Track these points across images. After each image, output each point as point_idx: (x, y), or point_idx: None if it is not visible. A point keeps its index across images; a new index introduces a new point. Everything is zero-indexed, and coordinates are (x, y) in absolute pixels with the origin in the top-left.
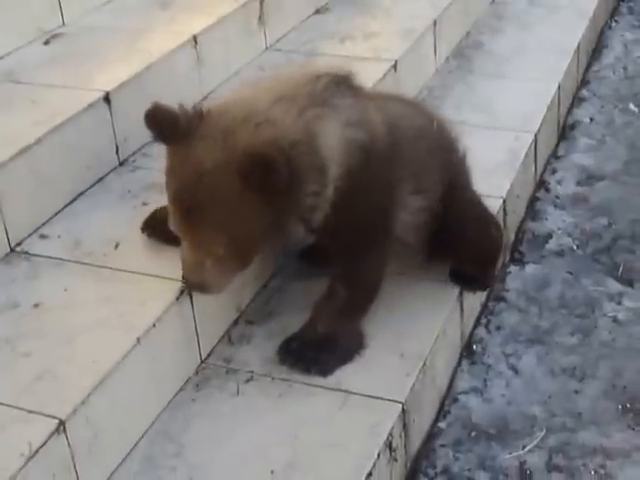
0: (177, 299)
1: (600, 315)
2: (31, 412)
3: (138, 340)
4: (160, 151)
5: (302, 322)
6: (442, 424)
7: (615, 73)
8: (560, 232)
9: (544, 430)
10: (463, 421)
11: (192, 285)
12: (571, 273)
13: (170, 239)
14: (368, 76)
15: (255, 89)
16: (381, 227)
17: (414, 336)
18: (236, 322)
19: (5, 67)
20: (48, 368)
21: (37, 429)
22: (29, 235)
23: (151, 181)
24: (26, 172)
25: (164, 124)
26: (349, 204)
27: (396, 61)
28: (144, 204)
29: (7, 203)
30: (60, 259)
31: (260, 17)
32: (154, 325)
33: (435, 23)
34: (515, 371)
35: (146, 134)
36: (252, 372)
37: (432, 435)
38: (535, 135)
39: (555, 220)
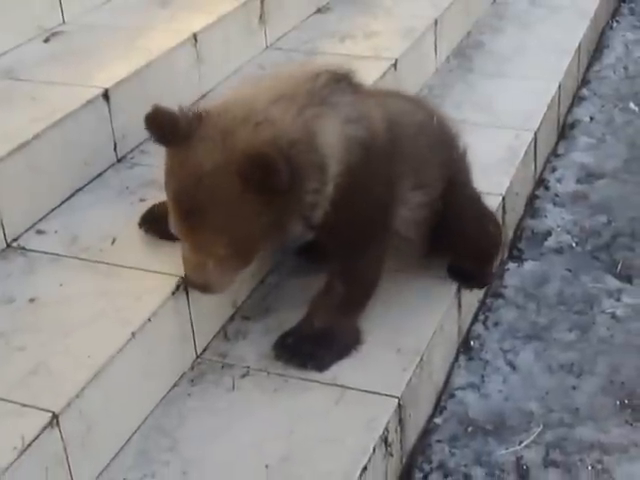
0: (173, 294)
1: (598, 312)
2: (25, 406)
3: (133, 334)
4: (158, 148)
5: (299, 318)
6: (438, 419)
7: (616, 73)
8: (559, 229)
9: (541, 426)
10: (460, 417)
11: (195, 286)
12: (570, 270)
13: (167, 235)
14: (368, 75)
15: (254, 88)
16: (380, 223)
17: (411, 331)
18: (232, 318)
19: (5, 64)
20: (42, 362)
21: (30, 422)
22: (26, 231)
23: (149, 178)
24: (24, 168)
25: (165, 127)
26: (349, 201)
27: (396, 60)
28: (141, 200)
29: (4, 199)
30: (56, 254)
31: (261, 16)
32: (149, 320)
33: (436, 23)
34: (512, 367)
35: (144, 131)
36: (248, 367)
37: (428, 430)
38: (535, 133)
39: (554, 218)
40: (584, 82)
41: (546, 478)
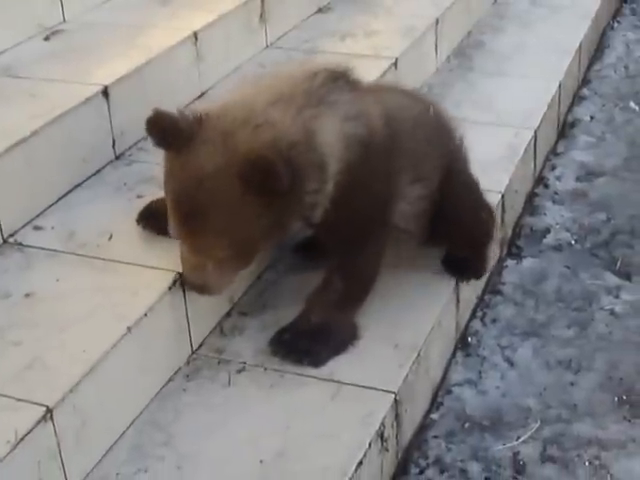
0: (169, 289)
1: (597, 308)
2: (19, 400)
3: (129, 329)
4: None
5: (296, 314)
6: (435, 415)
7: (616, 72)
8: (558, 227)
9: (538, 422)
10: (456, 412)
11: (193, 287)
12: (568, 267)
13: (165, 231)
14: (369, 74)
15: (253, 89)
16: (379, 219)
17: (409, 327)
18: (229, 314)
19: (5, 62)
20: (38, 357)
21: (24, 416)
22: (23, 226)
23: (147, 174)
24: (22, 164)
25: (166, 130)
26: (348, 198)
27: (397, 59)
28: (139, 197)
29: (2, 194)
30: (53, 250)
31: (261, 15)
32: (146, 315)
33: (437, 22)
34: (510, 363)
35: (143, 129)
36: (244, 363)
37: (425, 426)
38: (535, 132)
39: (553, 215)
40: (585, 81)
41: (543, 474)
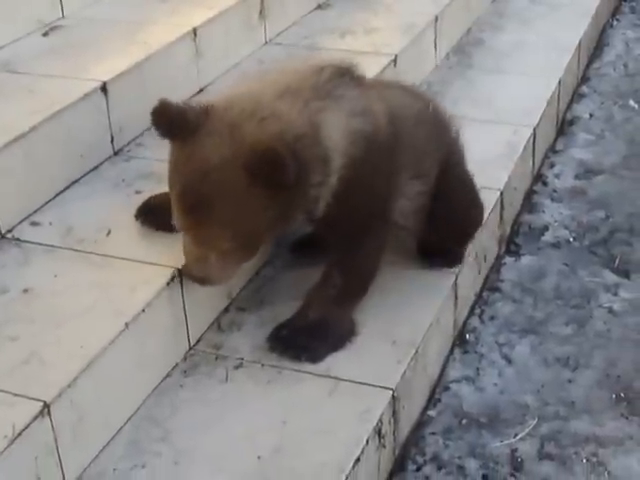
0: (167, 285)
1: (595, 306)
2: (16, 395)
3: (126, 325)
4: (155, 142)
5: (293, 310)
6: (432, 412)
7: (616, 70)
8: (557, 224)
9: (536, 419)
10: (454, 409)
11: (195, 279)
12: (567, 265)
13: (163, 227)
14: (368, 70)
15: (260, 82)
16: (380, 215)
17: (407, 324)
18: (227, 309)
19: (3, 58)
20: (35, 352)
21: (21, 411)
22: (20, 222)
23: (145, 170)
24: (20, 159)
25: (172, 121)
26: (351, 193)
27: (396, 56)
28: (137, 192)
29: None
30: (51, 246)
31: (261, 11)
32: (143, 310)
33: (436, 19)
34: (508, 360)
35: (141, 125)
36: (242, 359)
37: (422, 423)
38: (534, 129)
39: (552, 213)
40: (584, 79)
41: (540, 471)
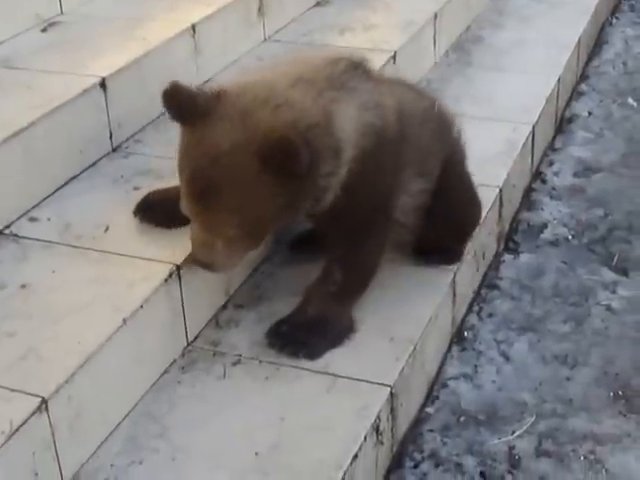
0: (165, 281)
1: (594, 304)
2: (14, 391)
3: (124, 321)
4: (154, 138)
5: (292, 307)
6: (430, 409)
7: (615, 68)
8: (555, 222)
9: (534, 416)
10: (452, 406)
11: (201, 264)
12: (565, 262)
13: (162, 223)
14: None
15: (273, 71)
16: (383, 210)
17: (405, 321)
18: (225, 306)
19: (2, 53)
20: (32, 348)
21: (19, 407)
22: (19, 218)
23: (144, 167)
24: (18, 155)
25: (182, 103)
26: (358, 186)
27: (395, 52)
28: (136, 189)
29: None
30: (49, 241)
31: (260, 8)
32: (141, 307)
33: (436, 16)
34: (506, 358)
35: (141, 121)
36: (239, 355)
37: (420, 420)
38: (533, 127)
39: (551, 210)
40: (583, 77)
41: (538, 468)
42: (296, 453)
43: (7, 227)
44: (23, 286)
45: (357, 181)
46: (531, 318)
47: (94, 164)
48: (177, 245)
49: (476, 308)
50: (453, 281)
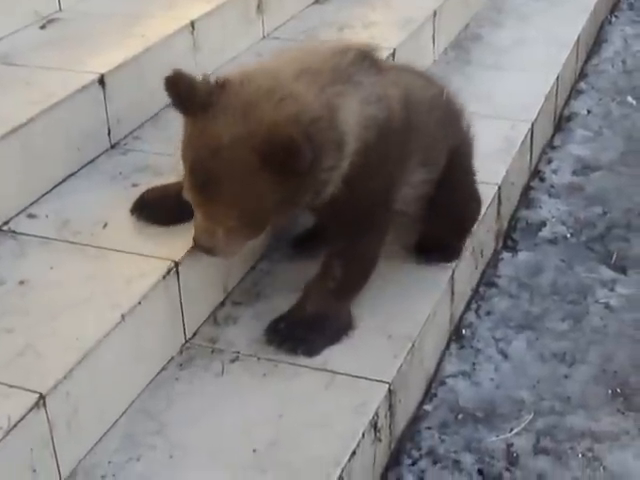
0: (164, 278)
1: (592, 301)
2: (11, 387)
3: (122, 317)
4: (152, 134)
5: (290, 304)
6: (428, 407)
7: (614, 67)
8: (554, 220)
9: (532, 413)
10: (450, 404)
11: (202, 249)
12: (564, 260)
13: (159, 221)
14: None
15: (279, 60)
16: (385, 203)
17: (403, 318)
18: (223, 303)
19: (1, 50)
20: (30, 344)
21: (17, 403)
22: (17, 214)
23: (142, 163)
24: (17, 151)
25: (183, 92)
26: (361, 178)
27: (394, 50)
28: (134, 185)
29: None
30: (47, 238)
31: (259, 5)
32: (139, 303)
33: (435, 14)
34: (504, 355)
35: (139, 117)
36: (238, 352)
37: (418, 417)
38: (532, 124)
39: (549, 208)
40: (582, 75)
41: (536, 465)
42: (294, 450)
43: (5, 223)
44: (21, 282)
45: (359, 173)
46: (529, 316)
47: (92, 161)
48: (175, 242)
49: (474, 306)
50: (451, 279)
